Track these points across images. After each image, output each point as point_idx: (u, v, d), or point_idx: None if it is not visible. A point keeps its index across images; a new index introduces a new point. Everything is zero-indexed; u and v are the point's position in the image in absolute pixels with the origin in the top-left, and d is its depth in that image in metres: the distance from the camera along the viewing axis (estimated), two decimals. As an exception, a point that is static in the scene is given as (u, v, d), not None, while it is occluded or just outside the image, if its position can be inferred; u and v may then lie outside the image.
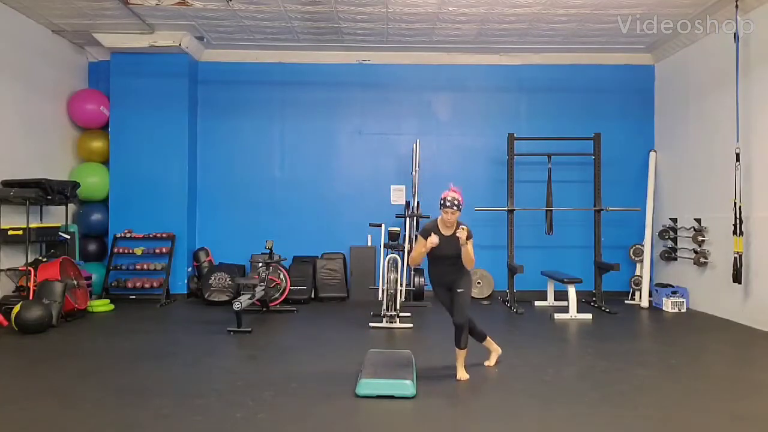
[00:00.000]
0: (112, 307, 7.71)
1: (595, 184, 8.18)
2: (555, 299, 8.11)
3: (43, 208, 7.60)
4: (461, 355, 4.55)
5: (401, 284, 7.00)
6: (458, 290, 4.51)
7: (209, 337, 6.06)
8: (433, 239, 4.31)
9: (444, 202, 4.36)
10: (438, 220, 4.49)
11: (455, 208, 4.35)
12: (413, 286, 8.14)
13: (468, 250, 4.40)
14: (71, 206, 8.23)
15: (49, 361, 5.09)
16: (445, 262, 4.51)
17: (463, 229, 4.32)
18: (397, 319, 6.72)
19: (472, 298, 8.58)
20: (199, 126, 9.00)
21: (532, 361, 5.10)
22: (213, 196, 9.02)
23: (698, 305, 7.72)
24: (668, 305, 7.74)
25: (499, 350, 4.96)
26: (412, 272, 8.20)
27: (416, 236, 4.46)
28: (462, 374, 4.51)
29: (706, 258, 7.47)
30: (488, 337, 4.90)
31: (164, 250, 8.33)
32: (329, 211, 9.01)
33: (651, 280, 8.41)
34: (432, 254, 4.46)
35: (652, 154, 8.84)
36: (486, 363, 4.89)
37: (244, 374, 4.68)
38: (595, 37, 8.18)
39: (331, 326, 6.72)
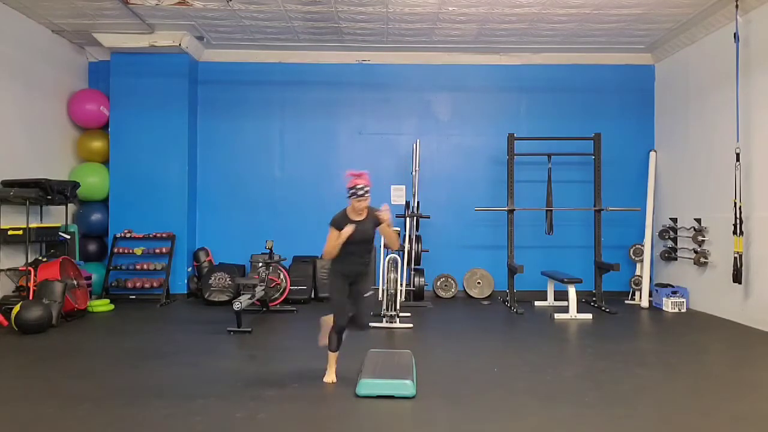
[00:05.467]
0: (112, 307, 7.70)
1: (595, 184, 8.18)
2: (555, 299, 8.10)
3: (43, 208, 7.60)
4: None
5: (401, 284, 7.00)
6: (365, 295, 4.45)
7: (209, 337, 6.05)
8: (348, 229, 4.22)
9: (356, 191, 4.22)
10: (347, 209, 4.36)
11: (367, 195, 4.25)
12: (413, 286, 8.15)
13: (390, 231, 4.38)
14: (71, 206, 8.23)
15: (49, 361, 5.09)
16: (356, 251, 4.36)
17: (384, 210, 4.30)
18: (397, 319, 6.72)
19: (472, 297, 8.69)
20: (199, 126, 9.00)
21: (532, 361, 5.10)
22: (213, 196, 9.02)
23: (698, 305, 7.72)
24: (668, 305, 7.74)
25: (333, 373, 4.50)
26: (412, 272, 8.20)
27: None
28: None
29: (706, 258, 7.47)
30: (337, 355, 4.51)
31: (164, 250, 8.33)
32: (329, 211, 8.87)
33: (651, 280, 8.41)
34: (345, 241, 4.30)
35: (652, 154, 8.84)
36: (325, 379, 4.45)
37: (244, 374, 4.67)
38: (595, 37, 8.18)
39: (331, 326, 6.70)
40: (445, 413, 3.82)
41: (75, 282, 7.21)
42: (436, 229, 8.79)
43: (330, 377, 4.44)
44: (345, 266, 4.41)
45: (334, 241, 4.29)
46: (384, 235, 4.45)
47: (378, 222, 4.38)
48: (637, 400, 4.07)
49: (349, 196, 4.28)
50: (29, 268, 6.74)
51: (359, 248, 4.38)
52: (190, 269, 8.70)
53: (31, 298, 6.52)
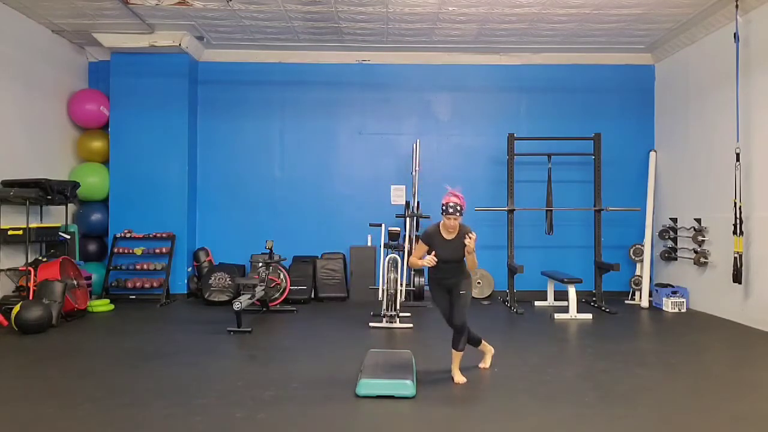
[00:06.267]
0: (112, 307, 7.71)
1: (595, 184, 8.18)
2: (555, 299, 8.11)
3: (43, 208, 7.60)
4: (457, 357, 4.52)
5: (401, 284, 7.00)
6: (460, 291, 4.46)
7: (209, 337, 6.06)
8: (430, 261, 4.30)
9: (447, 208, 4.29)
10: (440, 224, 4.42)
11: (458, 214, 4.29)
12: (413, 286, 8.15)
13: (473, 257, 4.39)
14: (71, 206, 8.23)
15: (49, 361, 5.09)
16: (447, 266, 4.44)
17: (471, 238, 4.28)
18: (397, 319, 6.72)
19: (473, 297, 8.68)
20: (199, 126, 9.00)
21: (532, 361, 5.10)
22: (213, 196, 9.02)
23: (698, 305, 7.72)
24: (668, 305, 7.74)
25: (492, 349, 4.91)
26: (412, 272, 8.20)
27: (416, 237, 4.45)
28: (459, 378, 4.47)
29: (706, 258, 7.47)
30: (482, 340, 4.84)
31: (164, 250, 8.33)
32: (329, 211, 9.01)
33: (651, 280, 8.41)
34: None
35: (652, 154, 8.84)
36: (481, 365, 4.83)
37: (244, 374, 4.68)
38: (595, 37, 8.18)
39: (331, 326, 6.71)
40: (445, 413, 3.82)
41: (75, 282, 7.21)
42: (436, 229, 8.77)
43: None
44: (438, 279, 4.55)
45: (418, 254, 4.46)
46: (467, 259, 4.46)
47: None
48: (637, 400, 4.07)
49: (442, 213, 4.35)
50: (29, 268, 6.74)
51: (450, 266, 4.46)
52: (190, 269, 8.70)
53: (31, 298, 6.52)
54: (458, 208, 4.29)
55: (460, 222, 4.39)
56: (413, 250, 4.44)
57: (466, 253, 4.36)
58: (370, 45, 8.64)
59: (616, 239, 8.74)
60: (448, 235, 4.39)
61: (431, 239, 4.40)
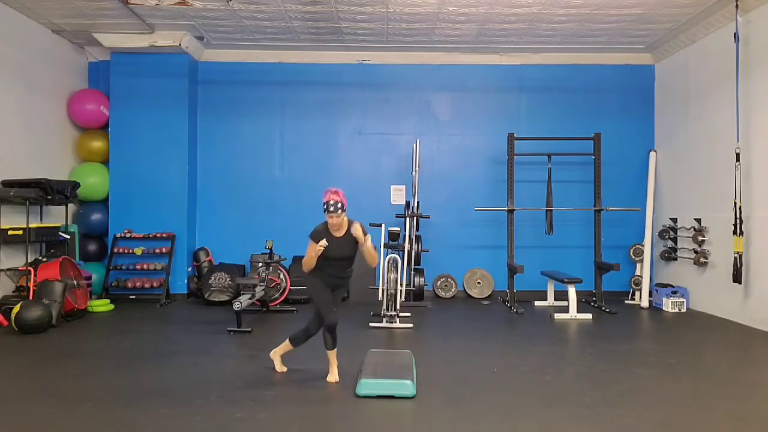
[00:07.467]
0: (112, 307, 7.70)
1: (595, 184, 8.18)
2: (555, 299, 8.11)
3: (43, 208, 7.60)
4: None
5: (401, 284, 7.00)
6: (343, 297, 4.61)
7: (209, 337, 6.05)
8: (322, 243, 4.23)
9: (327, 207, 4.24)
10: (327, 223, 4.35)
11: (339, 211, 4.24)
12: (413, 286, 8.14)
13: (368, 248, 4.30)
14: (71, 206, 8.23)
15: (49, 361, 5.09)
16: (339, 264, 4.39)
17: (356, 227, 4.27)
18: (397, 319, 6.72)
19: (472, 297, 8.70)
20: (199, 126, 9.01)
21: (532, 361, 5.10)
22: (213, 196, 9.02)
23: (698, 305, 7.72)
24: (668, 305, 7.74)
25: (336, 371, 4.55)
26: (412, 272, 8.20)
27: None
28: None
29: (706, 258, 7.47)
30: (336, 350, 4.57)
31: (164, 250, 8.33)
32: (329, 211, 8.98)
33: (651, 280, 8.41)
34: (324, 256, 4.31)
35: (652, 154, 8.84)
36: (328, 378, 4.48)
37: (244, 374, 4.68)
38: (595, 37, 8.18)
39: (331, 326, 6.70)
40: (445, 413, 3.82)
41: (75, 282, 7.21)
42: (436, 229, 8.79)
43: (333, 377, 4.47)
44: (327, 277, 4.45)
45: (309, 254, 4.33)
46: (363, 252, 4.37)
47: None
48: (637, 400, 4.07)
49: (324, 211, 4.29)
50: (29, 268, 6.74)
51: (338, 264, 4.42)
52: (190, 269, 8.70)
53: (31, 298, 6.52)
54: (339, 205, 4.24)
55: (346, 218, 4.33)
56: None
57: (360, 247, 4.32)
58: (370, 45, 8.64)
59: (616, 239, 8.74)
60: (337, 233, 4.34)
61: (318, 237, 4.31)
